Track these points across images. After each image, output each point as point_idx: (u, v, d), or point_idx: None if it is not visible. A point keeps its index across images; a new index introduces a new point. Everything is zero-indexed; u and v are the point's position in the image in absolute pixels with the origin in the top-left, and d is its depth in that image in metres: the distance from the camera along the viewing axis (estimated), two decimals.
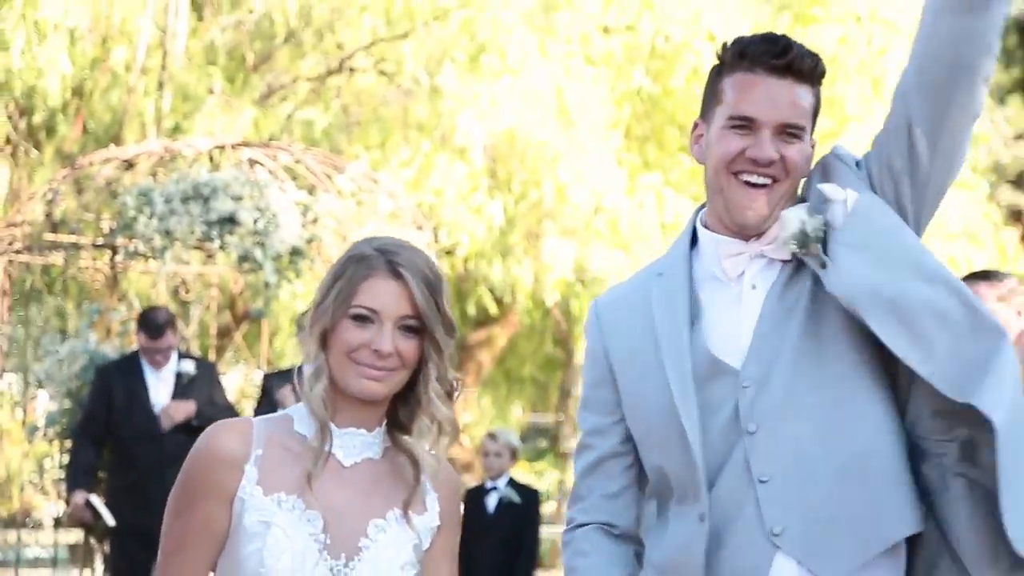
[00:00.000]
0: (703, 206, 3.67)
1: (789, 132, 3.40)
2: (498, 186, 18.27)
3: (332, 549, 3.04)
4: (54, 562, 15.20)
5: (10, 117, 18.87)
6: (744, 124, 3.39)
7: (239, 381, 14.81)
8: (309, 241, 13.70)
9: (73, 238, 14.36)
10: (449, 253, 18.10)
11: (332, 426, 3.09)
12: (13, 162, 18.54)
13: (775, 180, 3.41)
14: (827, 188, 3.41)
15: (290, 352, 15.77)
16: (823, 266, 3.36)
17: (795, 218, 3.37)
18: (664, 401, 3.43)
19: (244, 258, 13.70)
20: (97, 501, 11.82)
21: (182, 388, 12.20)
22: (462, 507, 3.47)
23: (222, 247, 13.67)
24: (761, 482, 3.37)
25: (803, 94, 3.44)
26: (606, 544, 3.56)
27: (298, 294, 15.18)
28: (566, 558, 3.68)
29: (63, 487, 13.27)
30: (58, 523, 14.82)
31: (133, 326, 13.15)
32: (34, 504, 15.70)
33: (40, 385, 14.40)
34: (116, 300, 14.67)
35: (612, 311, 3.71)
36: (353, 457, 3.13)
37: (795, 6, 21.15)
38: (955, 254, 20.10)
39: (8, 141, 18.87)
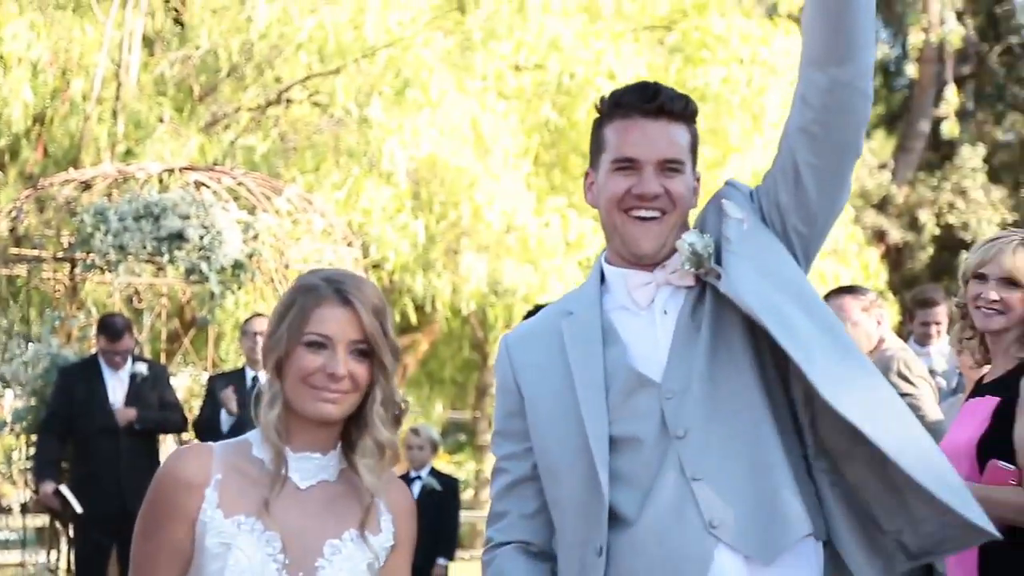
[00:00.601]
0: (604, 249, 3.85)
1: (670, 167, 3.54)
2: (420, 207, 18.64)
3: (290, 568, 3.16)
4: (23, 543, 15.21)
5: None
6: (628, 165, 3.53)
7: (187, 382, 14.69)
8: (250, 256, 14.02)
9: (35, 252, 14.72)
10: (376, 267, 18.39)
11: (288, 451, 3.23)
12: None
13: (663, 212, 3.57)
14: (728, 205, 3.63)
15: (232, 356, 15.44)
16: (718, 277, 3.57)
17: (686, 244, 3.56)
18: (574, 431, 3.57)
19: (191, 271, 14.01)
20: (66, 490, 12.14)
21: (136, 388, 12.55)
22: (415, 527, 3.55)
23: (171, 261, 13.98)
24: (695, 480, 3.51)
25: (678, 132, 3.59)
26: (525, 562, 3.67)
27: (240, 303, 15.14)
28: (495, 570, 3.73)
29: (29, 477, 13.74)
30: (25, 508, 15.05)
31: (92, 332, 13.54)
32: (2, 491, 15.99)
33: (7, 385, 14.13)
34: (75, 308, 14.89)
35: (522, 347, 3.82)
36: (309, 480, 3.25)
37: (685, 49, 21.72)
38: (824, 270, 21.01)
39: None
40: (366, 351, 3.15)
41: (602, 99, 3.65)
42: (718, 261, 3.53)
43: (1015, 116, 38.26)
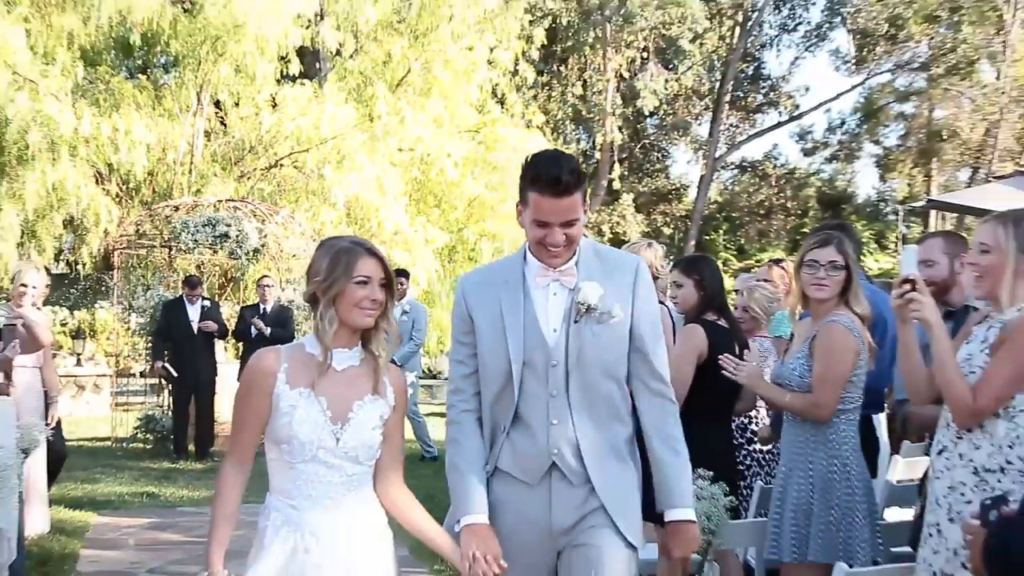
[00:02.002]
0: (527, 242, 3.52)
1: (568, 223, 3.30)
2: (351, 222, 18.44)
3: (332, 419, 3.15)
4: (144, 392, 16.03)
5: (118, 184, 18.83)
6: (543, 223, 3.30)
7: (229, 311, 15.29)
8: (262, 246, 14.76)
9: (151, 243, 15.59)
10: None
11: (332, 351, 3.18)
12: (119, 205, 18.43)
13: (566, 246, 3.34)
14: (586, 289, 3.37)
15: (252, 297, 15.33)
16: (599, 322, 3.38)
17: (590, 292, 3.36)
18: (504, 363, 3.39)
19: (231, 254, 14.92)
20: (168, 366, 13.10)
21: (203, 313, 13.29)
22: (406, 396, 3.45)
23: (220, 248, 14.83)
24: (553, 423, 3.39)
25: (574, 200, 3.30)
26: (471, 428, 3.49)
27: (256, 271, 15.59)
28: (452, 430, 3.55)
29: (147, 357, 14.65)
30: (143, 374, 15.87)
31: (179, 284, 14.53)
32: (131, 365, 16.23)
33: (133, 311, 15.17)
34: (171, 272, 15.63)
35: (474, 291, 3.53)
36: (343, 365, 3.21)
37: (487, 142, 21.22)
38: None
39: (116, 196, 18.71)
40: (385, 283, 3.19)
41: (529, 166, 3.37)
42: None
43: (648, 179, 38.16)
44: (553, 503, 3.44)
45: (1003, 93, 35.47)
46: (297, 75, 19.71)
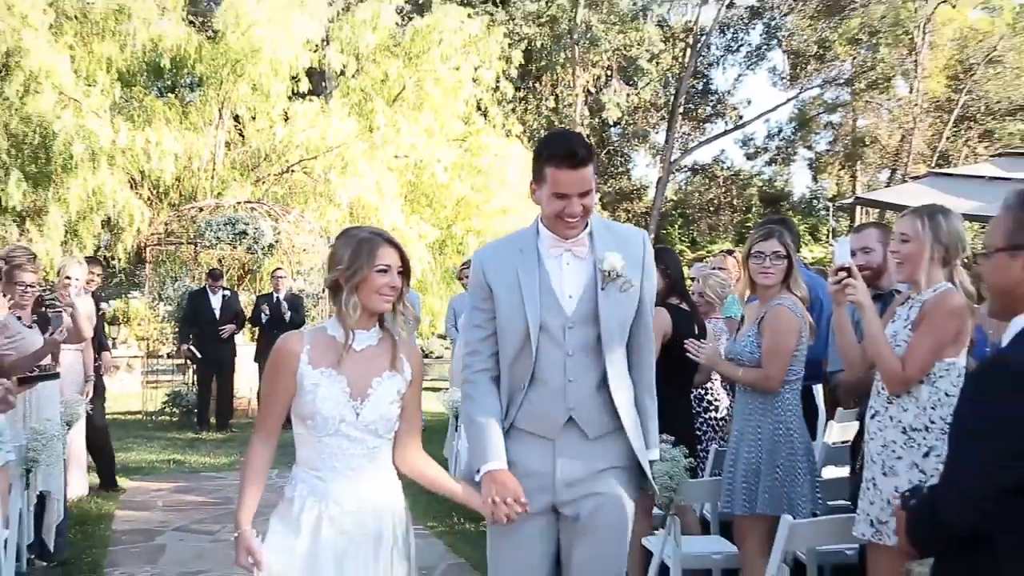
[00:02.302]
0: (540, 216, 3.37)
1: (584, 193, 3.18)
2: (353, 221, 17.21)
3: (353, 395, 3.03)
4: (172, 371, 16.03)
5: (149, 189, 18.74)
6: (561, 195, 3.17)
7: (246, 299, 15.07)
8: (276, 241, 14.86)
9: (179, 239, 15.77)
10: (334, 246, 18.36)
11: (354, 333, 3.06)
12: (150, 207, 18.40)
13: (581, 217, 3.22)
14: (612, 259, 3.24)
15: (267, 287, 14.95)
16: (620, 289, 3.26)
17: (615, 261, 3.24)
18: (523, 326, 3.24)
19: (249, 248, 14.95)
20: (192, 348, 13.02)
21: (224, 302, 13.15)
22: (422, 370, 3.28)
23: (240, 244, 14.87)
24: (570, 381, 3.25)
25: (588, 171, 3.18)
26: (487, 386, 3.32)
27: (271, 264, 15.35)
28: (468, 388, 3.38)
29: (174, 340, 14.63)
30: (170, 355, 15.77)
31: (204, 275, 14.26)
32: (159, 348, 15.98)
33: (162, 300, 15.13)
34: (196, 265, 15.67)
35: (491, 261, 3.34)
36: (362, 344, 3.08)
37: (472, 149, 21.11)
38: None
39: (147, 199, 18.66)
40: (403, 271, 3.08)
41: (544, 145, 3.30)
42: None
43: (612, 181, 37.37)
44: (567, 455, 3.29)
45: (915, 105, 36.18)
46: (306, 92, 19.72)
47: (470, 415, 3.36)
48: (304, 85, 19.55)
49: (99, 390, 8.85)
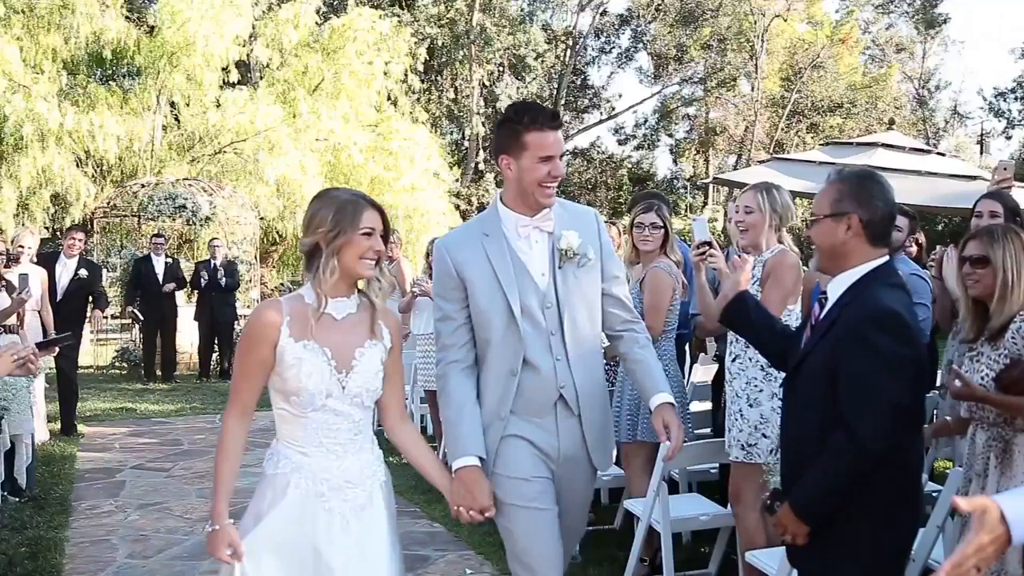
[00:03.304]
0: (501, 196, 2.95)
1: (561, 155, 2.81)
2: (279, 196, 17.91)
3: (337, 367, 2.54)
4: (119, 330, 15.69)
5: (94, 167, 18.10)
6: (548, 158, 2.76)
7: (186, 266, 13.96)
8: (212, 214, 14.72)
9: (124, 213, 15.25)
10: (262, 219, 17.54)
11: (327, 299, 2.56)
12: (95, 183, 17.89)
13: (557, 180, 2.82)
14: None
15: (204, 254, 14.13)
16: (579, 265, 2.87)
17: (571, 239, 2.86)
18: (505, 310, 2.80)
19: (188, 220, 14.87)
20: (136, 311, 12.79)
21: (167, 268, 12.69)
22: (400, 334, 2.80)
23: (179, 216, 14.72)
24: (558, 360, 2.83)
25: (560, 133, 2.84)
26: (464, 378, 2.85)
27: (207, 234, 14.83)
28: (441, 383, 2.92)
29: (120, 301, 14.12)
30: (114, 316, 15.03)
31: (148, 244, 13.50)
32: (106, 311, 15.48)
33: (107, 268, 14.14)
34: (139, 235, 15.01)
35: (456, 250, 2.89)
36: (342, 313, 2.59)
37: (384, 133, 20.77)
38: None
39: (92, 176, 17.99)
40: (384, 235, 2.59)
41: (516, 113, 2.84)
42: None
43: None
44: (560, 432, 2.90)
45: (756, 101, 37.05)
46: (236, 82, 19.30)
47: (444, 412, 2.94)
48: (234, 76, 19.06)
49: (75, 345, 8.81)
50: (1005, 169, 4.98)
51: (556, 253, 2.90)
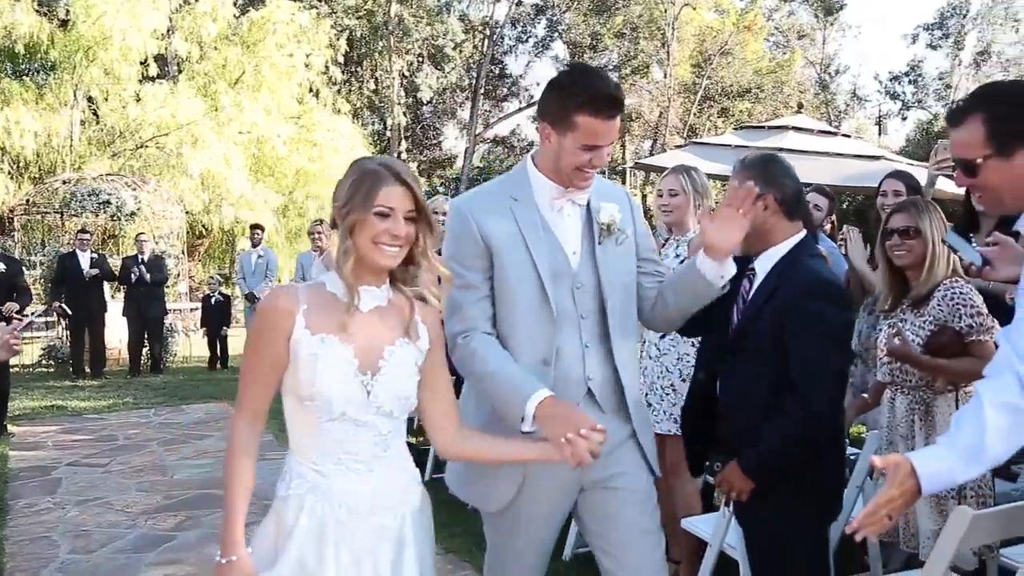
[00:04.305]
0: (532, 157, 2.51)
1: (609, 144, 2.34)
2: (203, 189, 17.57)
3: (361, 368, 2.07)
4: (43, 327, 14.79)
5: (10, 163, 17.61)
6: (592, 147, 2.32)
7: (113, 262, 13.41)
8: (137, 209, 14.25)
9: (45, 210, 14.65)
10: (188, 212, 16.76)
11: (358, 288, 2.10)
12: (12, 180, 17.48)
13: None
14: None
15: (130, 249, 13.86)
16: (618, 242, 2.47)
17: (613, 211, 2.46)
18: (536, 288, 2.38)
19: (113, 216, 14.32)
20: (64, 305, 12.04)
21: (93, 263, 12.35)
22: (442, 331, 2.30)
23: (104, 212, 14.21)
24: (587, 347, 2.42)
25: (618, 122, 2.36)
26: (494, 343, 2.36)
27: (133, 229, 14.46)
28: (464, 352, 2.40)
29: (45, 298, 13.50)
30: (44, 313, 14.19)
31: (72, 240, 13.24)
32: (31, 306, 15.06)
33: (28, 266, 13.61)
34: (63, 231, 14.47)
35: (482, 210, 2.43)
36: (369, 305, 2.12)
37: (306, 125, 20.61)
38: None
39: (9, 173, 17.54)
40: (414, 217, 2.08)
41: (576, 85, 2.34)
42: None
43: (426, 151, 36.75)
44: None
45: (669, 88, 37.46)
46: (156, 76, 18.83)
47: (485, 368, 2.36)
48: (153, 70, 18.60)
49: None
50: (946, 149, 4.76)
51: (596, 227, 2.49)
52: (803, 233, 2.78)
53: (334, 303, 2.13)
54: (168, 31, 19.33)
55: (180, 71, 21.05)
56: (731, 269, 2.45)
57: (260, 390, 2.14)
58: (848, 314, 2.65)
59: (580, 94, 2.33)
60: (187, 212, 17.25)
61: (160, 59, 19.45)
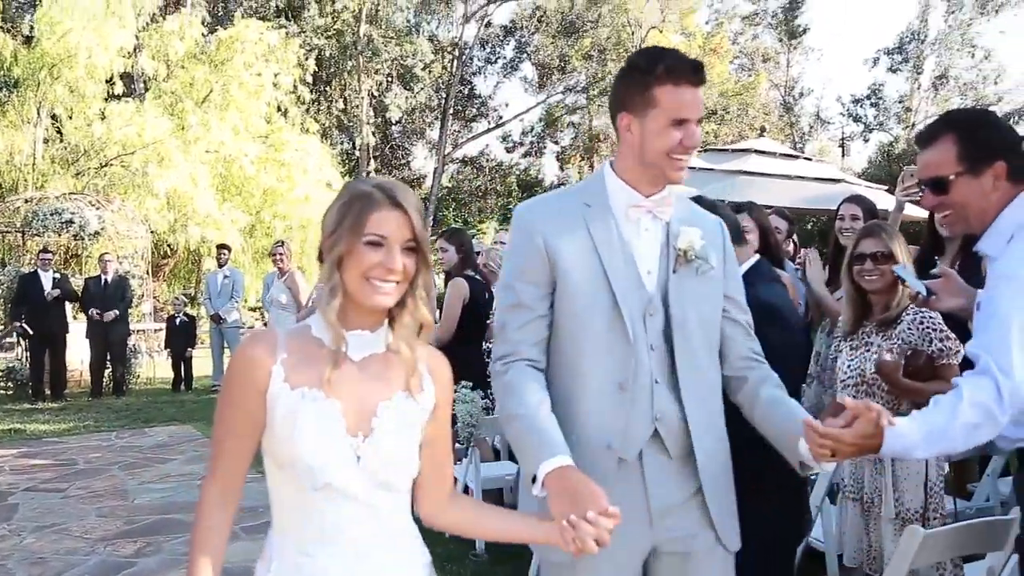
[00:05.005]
0: (611, 162, 2.21)
1: (699, 121, 2.09)
2: (169, 208, 17.61)
3: (350, 429, 1.71)
4: (2, 348, 14.89)
5: None
6: (682, 121, 2.05)
7: (76, 280, 13.37)
8: (101, 228, 14.16)
9: (7, 229, 14.63)
10: (153, 232, 16.84)
11: (344, 333, 1.74)
12: None
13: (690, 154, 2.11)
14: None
15: (95, 270, 13.68)
16: (698, 272, 2.15)
17: (693, 237, 2.16)
18: (610, 308, 2.08)
19: (76, 235, 14.26)
20: (25, 325, 11.96)
21: (55, 283, 12.17)
22: (452, 389, 1.93)
23: (66, 231, 14.08)
24: (656, 382, 2.09)
25: (701, 93, 2.10)
26: (533, 374, 2.07)
27: (96, 249, 14.40)
28: (500, 380, 2.11)
29: (4, 317, 13.55)
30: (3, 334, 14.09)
31: (34, 260, 13.19)
32: None
33: None
34: (25, 251, 14.46)
35: (548, 220, 2.14)
36: (362, 353, 1.77)
37: (275, 145, 20.39)
38: None
39: None
40: (414, 248, 1.74)
41: (646, 60, 2.10)
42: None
43: (395, 171, 37.14)
44: (649, 482, 2.14)
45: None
46: (121, 94, 18.85)
47: (508, 409, 2.10)
48: (119, 88, 18.64)
49: None
50: (912, 175, 4.77)
51: (672, 252, 2.20)
52: (756, 258, 2.85)
53: (319, 351, 1.76)
54: (135, 49, 19.26)
55: (147, 89, 20.89)
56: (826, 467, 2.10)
57: (233, 457, 1.79)
58: (795, 336, 2.70)
59: (656, 66, 2.10)
60: (152, 232, 17.04)
61: (126, 77, 19.42)
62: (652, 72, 2.09)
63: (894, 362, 3.19)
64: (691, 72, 2.09)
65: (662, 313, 2.16)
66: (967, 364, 2.50)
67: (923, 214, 4.86)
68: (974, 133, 2.20)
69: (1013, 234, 2.17)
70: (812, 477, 3.38)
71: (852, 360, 3.37)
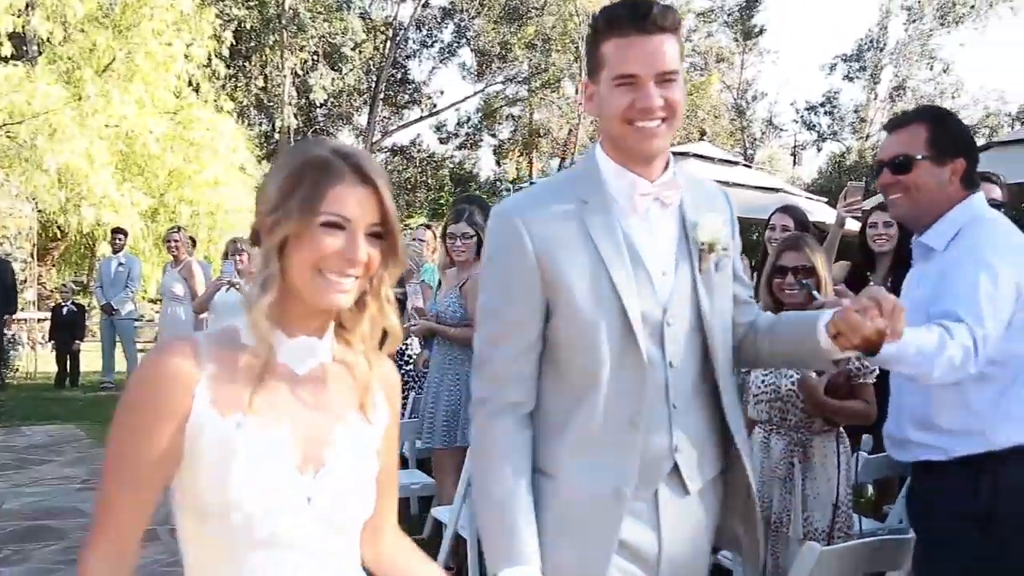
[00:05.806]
0: (600, 142, 2.02)
1: (667, 79, 1.87)
2: (63, 186, 16.60)
3: (300, 464, 1.43)
4: None
5: None
6: (628, 81, 1.86)
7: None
8: None
9: None
10: (41, 211, 16.65)
11: (283, 336, 1.45)
12: None
13: (664, 120, 1.89)
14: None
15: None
16: (718, 267, 1.99)
17: (715, 228, 1.98)
18: (620, 326, 1.88)
19: None
20: None
21: None
22: (400, 399, 1.65)
23: None
24: (674, 407, 1.93)
25: (670, 44, 1.87)
26: (524, 433, 1.91)
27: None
28: (483, 434, 1.93)
29: None
30: None
31: None
32: None
33: None
34: None
35: (541, 221, 1.91)
36: (307, 364, 1.47)
37: (184, 123, 19.92)
38: None
39: None
40: (380, 233, 1.45)
41: (595, 17, 1.92)
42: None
43: None
44: (664, 526, 1.97)
45: (580, 104, 37.97)
46: (9, 57, 17.89)
47: (484, 484, 1.94)
48: (7, 49, 17.75)
49: None
50: (856, 191, 4.85)
51: (692, 246, 2.01)
52: None
53: (253, 363, 1.45)
54: (27, 7, 18.53)
55: (40, 53, 20.18)
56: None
57: (130, 509, 1.43)
58: None
59: (601, 20, 1.94)
60: (40, 211, 16.73)
61: (16, 37, 18.65)
62: (597, 32, 1.95)
63: (818, 380, 3.28)
64: (634, 18, 1.88)
65: (687, 322, 1.98)
66: (882, 385, 2.79)
67: (856, 227, 5.06)
68: (946, 126, 2.54)
69: (960, 230, 2.47)
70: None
71: (766, 376, 3.47)
